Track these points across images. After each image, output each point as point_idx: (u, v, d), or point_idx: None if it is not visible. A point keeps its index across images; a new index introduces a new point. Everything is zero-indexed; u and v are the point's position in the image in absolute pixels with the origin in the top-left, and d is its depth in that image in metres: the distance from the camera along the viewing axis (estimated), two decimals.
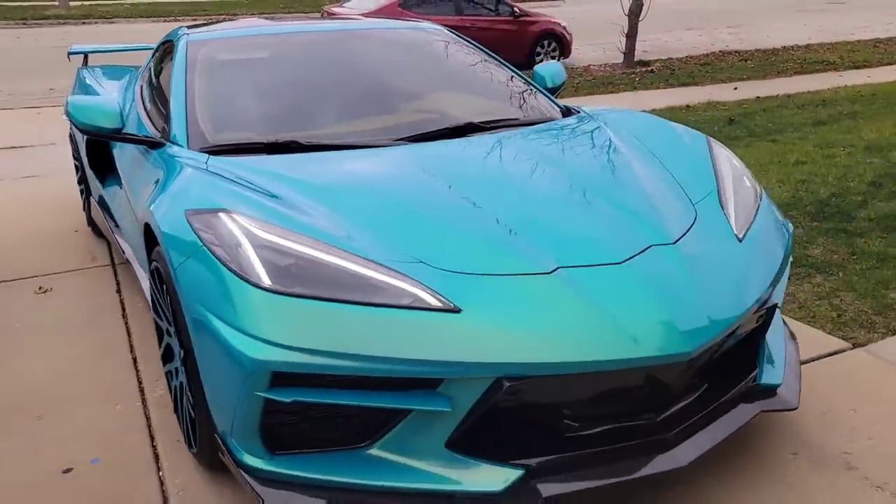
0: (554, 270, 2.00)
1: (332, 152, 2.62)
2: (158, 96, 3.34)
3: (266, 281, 1.88)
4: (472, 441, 1.88)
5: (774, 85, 9.74)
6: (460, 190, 2.33)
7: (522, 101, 3.28)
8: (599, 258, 2.07)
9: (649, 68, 11.23)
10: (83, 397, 2.74)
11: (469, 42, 3.76)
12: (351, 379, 1.81)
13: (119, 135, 2.86)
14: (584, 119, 3.14)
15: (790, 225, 2.63)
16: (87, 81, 4.70)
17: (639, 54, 11.92)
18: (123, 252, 3.43)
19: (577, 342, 1.85)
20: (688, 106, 8.36)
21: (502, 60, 3.68)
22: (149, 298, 2.68)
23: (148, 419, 2.60)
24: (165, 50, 3.67)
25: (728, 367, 2.21)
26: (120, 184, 3.45)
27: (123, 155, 3.38)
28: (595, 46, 14.19)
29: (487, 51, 3.73)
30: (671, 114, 7.89)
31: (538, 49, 12.35)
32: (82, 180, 4.47)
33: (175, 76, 3.09)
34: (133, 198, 3.00)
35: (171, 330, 2.31)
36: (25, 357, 3.05)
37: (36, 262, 4.05)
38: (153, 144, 2.87)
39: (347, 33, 3.61)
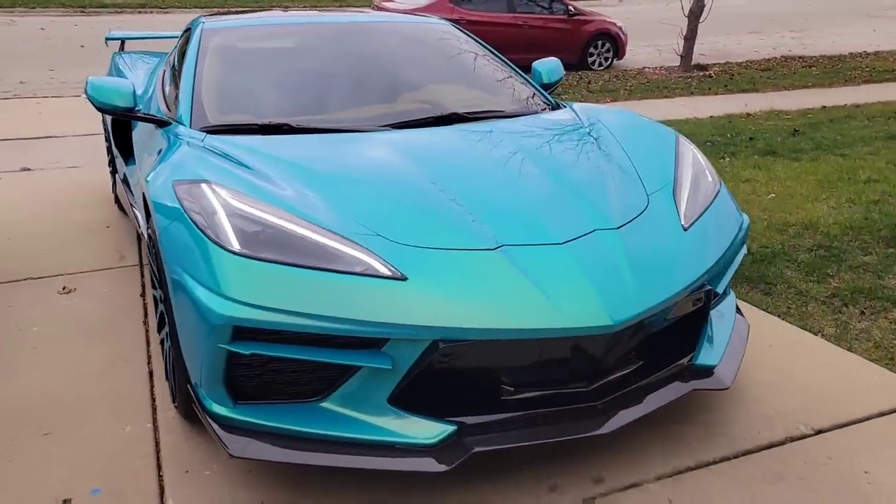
0: (497, 248, 2.19)
1: (317, 135, 2.84)
2: (174, 80, 3.52)
3: (236, 245, 2.07)
4: (411, 398, 2.05)
5: (841, 94, 9.24)
6: (427, 172, 2.52)
7: (511, 95, 3.43)
8: (541, 238, 2.25)
9: (707, 73, 10.79)
10: (93, 413, 2.58)
11: (472, 37, 3.91)
12: (305, 336, 1.98)
13: (131, 113, 3.04)
14: (564, 113, 3.30)
15: (746, 218, 2.80)
16: (120, 66, 4.98)
17: (697, 58, 11.49)
18: (138, 226, 3.55)
19: (507, 310, 2.02)
20: (748, 114, 7.94)
21: (501, 56, 3.84)
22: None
23: (157, 444, 2.42)
24: (186, 38, 3.85)
25: (664, 347, 2.37)
26: (135, 161, 3.68)
27: (139, 135, 3.57)
28: (650, 48, 13.76)
29: (488, 46, 3.88)
30: (730, 121, 7.50)
31: (591, 50, 11.99)
32: (111, 161, 4.68)
33: (187, 61, 3.31)
34: (140, 172, 3.16)
35: (160, 295, 2.50)
36: (41, 364, 2.92)
37: (63, 259, 3.94)
38: (161, 123, 3.07)
39: (354, 25, 3.79)
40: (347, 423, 2.06)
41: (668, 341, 2.36)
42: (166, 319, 2.39)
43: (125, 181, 4.07)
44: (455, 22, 10.88)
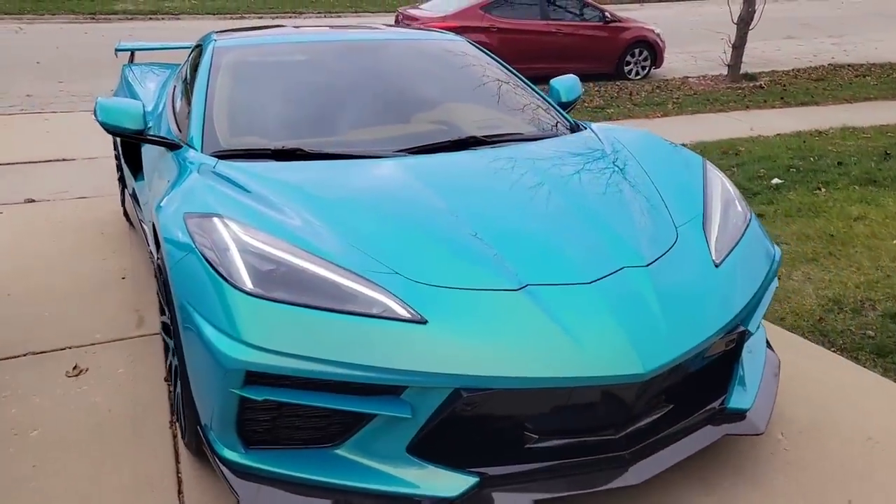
0: (521, 288, 2.07)
1: (331, 161, 2.71)
2: (185, 98, 3.42)
3: (248, 284, 1.98)
4: (431, 447, 1.95)
5: None
6: (447, 204, 2.39)
7: (530, 116, 3.30)
8: (568, 278, 2.13)
9: (757, 83, 10.11)
10: None
11: (488, 55, 3.77)
12: (320, 382, 1.89)
13: (141, 136, 2.95)
14: (586, 136, 3.15)
15: (778, 250, 2.64)
16: (130, 80, 4.81)
17: (752, 67, 10.80)
18: (148, 243, 3.45)
19: (534, 358, 1.91)
20: (819, 131, 7.27)
21: (518, 74, 3.69)
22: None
23: None
24: (197, 54, 3.76)
25: (696, 389, 2.24)
26: (143, 177, 3.61)
27: (148, 153, 3.48)
28: (684, 55, 13.09)
29: (505, 64, 3.74)
30: (804, 141, 6.82)
31: (628, 58, 11.33)
32: (120, 173, 4.56)
33: (198, 80, 3.21)
34: (150, 195, 3.09)
35: (167, 323, 2.44)
36: (37, 496, 2.27)
37: (72, 326, 3.32)
38: (171, 146, 2.96)
39: (368, 43, 3.67)
40: (363, 473, 1.97)
41: (698, 383, 2.25)
42: (175, 352, 2.29)
43: (134, 196, 3.98)
44: (485, 30, 10.21)
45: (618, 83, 10.72)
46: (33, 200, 5.22)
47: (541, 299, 2.04)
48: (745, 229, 2.57)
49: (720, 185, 2.79)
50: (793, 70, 11.42)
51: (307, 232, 2.20)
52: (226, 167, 2.60)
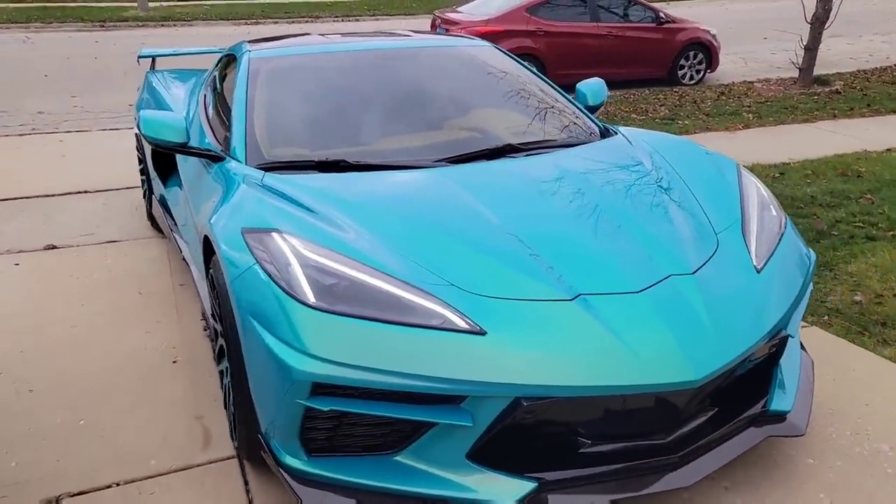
0: (575, 297, 2.11)
1: (376, 173, 2.75)
2: (221, 109, 3.47)
3: (311, 298, 2.03)
4: (490, 453, 1.99)
5: None
6: (495, 215, 2.43)
7: (561, 122, 3.33)
8: (619, 287, 2.17)
9: (831, 88, 9.27)
10: None
11: (517, 60, 3.81)
12: (383, 392, 1.93)
13: (184, 148, 2.97)
14: (619, 142, 3.18)
15: (813, 254, 2.66)
16: (155, 85, 4.80)
17: (789, 66, 9.93)
18: (181, 251, 3.61)
19: (591, 367, 1.97)
20: None
21: (546, 79, 3.74)
22: (206, 303, 2.92)
23: None
24: (228, 62, 3.85)
25: (739, 392, 2.27)
26: (181, 187, 3.66)
27: (186, 163, 3.49)
28: (731, 57, 12.23)
29: (532, 69, 3.79)
30: None
31: (682, 61, 10.49)
32: (147, 180, 4.56)
33: (237, 92, 3.23)
34: (193, 206, 3.13)
35: (220, 329, 2.48)
36: None
37: (116, 443, 2.54)
38: (214, 158, 2.99)
39: (401, 52, 3.67)
40: (424, 478, 2.00)
41: (741, 387, 2.27)
42: (230, 360, 2.30)
43: (163, 203, 4.04)
44: (531, 34, 9.37)
45: (675, 89, 9.90)
46: (55, 247, 4.44)
47: (594, 308, 2.09)
48: (782, 234, 2.61)
49: (755, 189, 2.83)
50: (860, 72, 10.57)
51: (362, 245, 2.24)
52: (273, 180, 2.65)
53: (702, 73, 10.64)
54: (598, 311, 2.08)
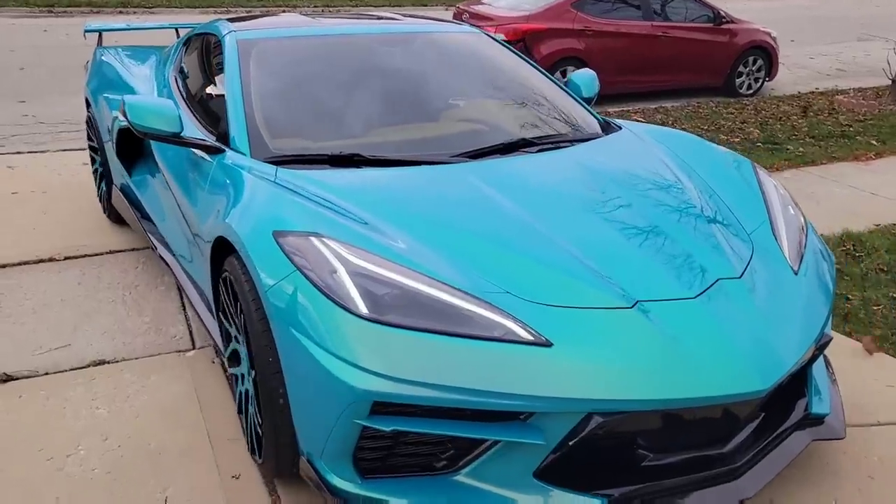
0: (633, 305, 2.03)
1: (399, 169, 2.60)
2: (204, 94, 3.28)
3: (363, 309, 1.89)
4: (556, 471, 1.90)
5: None
6: (536, 219, 2.32)
7: (566, 115, 3.25)
8: (674, 293, 2.09)
9: None
10: None
11: (507, 47, 3.68)
12: (446, 409, 1.83)
13: (177, 138, 2.74)
14: (629, 137, 3.13)
15: (831, 254, 2.63)
16: (110, 63, 4.34)
17: (835, 74, 8.71)
18: (154, 245, 3.46)
19: (662, 379, 1.89)
20: None
21: (539, 67, 3.64)
22: (200, 297, 2.86)
23: None
24: (203, 43, 3.61)
25: (783, 398, 2.24)
26: (153, 175, 3.48)
27: (168, 153, 3.22)
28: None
29: (525, 56, 3.69)
30: None
31: (740, 68, 9.18)
32: (103, 166, 4.15)
33: (228, 77, 2.99)
34: (187, 201, 2.90)
35: (240, 337, 2.31)
36: None
37: None
38: (212, 150, 2.78)
39: (395, 36, 3.50)
40: (488, 499, 1.90)
41: (784, 392, 2.22)
42: (256, 369, 2.10)
43: (126, 192, 3.79)
44: (578, 33, 7.91)
45: (745, 102, 8.57)
46: (10, 378, 2.83)
47: (654, 317, 2.01)
48: (806, 233, 2.59)
49: (773, 187, 2.80)
50: None
51: (407, 251, 2.10)
52: (290, 176, 2.46)
53: (760, 81, 9.36)
54: (658, 319, 2.01)
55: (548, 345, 1.88)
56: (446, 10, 17.30)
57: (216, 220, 2.45)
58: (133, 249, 4.07)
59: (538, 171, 2.67)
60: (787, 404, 2.25)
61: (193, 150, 2.90)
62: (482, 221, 2.29)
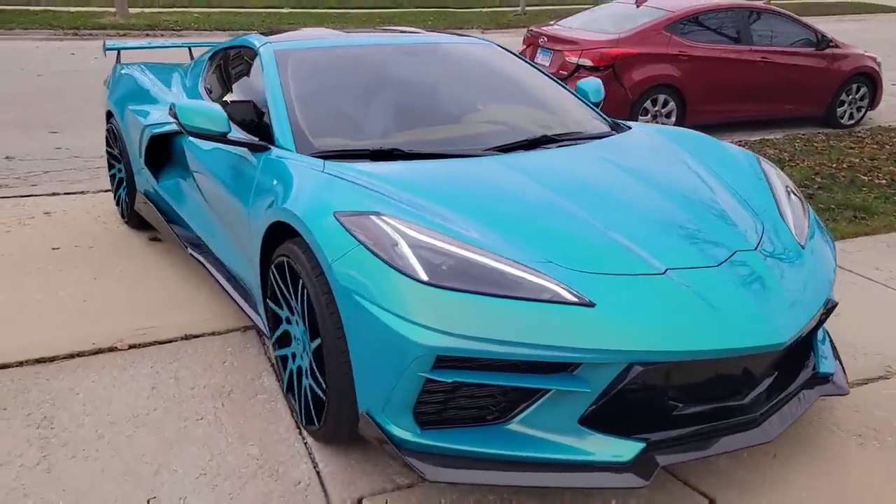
0: (664, 272, 2.24)
1: (439, 161, 2.80)
2: (236, 98, 3.52)
3: (424, 276, 2.07)
4: (599, 419, 2.10)
5: None
6: (567, 199, 2.54)
7: (580, 115, 3.48)
8: (700, 262, 2.33)
9: None
10: None
11: (520, 56, 3.93)
12: (500, 362, 2.02)
13: (224, 138, 2.92)
14: (640, 134, 3.36)
15: (830, 234, 2.92)
16: (135, 77, 4.50)
17: None
18: (186, 244, 3.62)
19: (695, 333, 2.11)
20: None
21: (549, 74, 3.88)
22: (237, 289, 3.11)
23: None
24: (235, 55, 3.85)
25: (792, 358, 2.46)
26: (185, 179, 3.67)
27: (210, 154, 3.37)
28: None
29: (534, 64, 3.99)
30: None
31: (842, 96, 8.28)
32: (125, 173, 4.30)
33: (268, 83, 3.20)
34: (227, 196, 3.09)
35: (294, 317, 2.51)
36: None
37: None
38: (257, 148, 2.96)
39: (418, 46, 3.74)
40: (539, 444, 2.07)
41: (794, 353, 2.42)
42: (324, 340, 2.25)
43: (154, 197, 3.98)
44: (672, 59, 7.16)
45: (856, 133, 7.66)
46: None
47: (684, 281, 2.21)
48: (809, 215, 2.87)
49: (775, 174, 3.08)
50: None
51: (457, 226, 2.29)
52: (337, 167, 2.65)
53: (863, 111, 8.45)
54: (688, 283, 2.21)
55: (591, 305, 2.08)
56: (482, 32, 16.57)
57: (271, 208, 2.61)
58: (213, 334, 3.16)
59: (564, 162, 2.91)
60: (796, 364, 2.48)
61: (235, 150, 3.09)
62: (520, 203, 2.51)
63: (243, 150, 3.03)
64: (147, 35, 14.78)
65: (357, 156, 2.80)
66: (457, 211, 2.37)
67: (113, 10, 16.26)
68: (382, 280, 2.08)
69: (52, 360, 2.90)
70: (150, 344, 3.05)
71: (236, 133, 3.02)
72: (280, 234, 2.56)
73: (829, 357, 2.61)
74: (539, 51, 7.89)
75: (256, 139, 3.00)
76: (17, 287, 3.59)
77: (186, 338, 3.11)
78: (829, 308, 2.53)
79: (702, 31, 7.64)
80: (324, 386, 2.30)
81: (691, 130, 3.54)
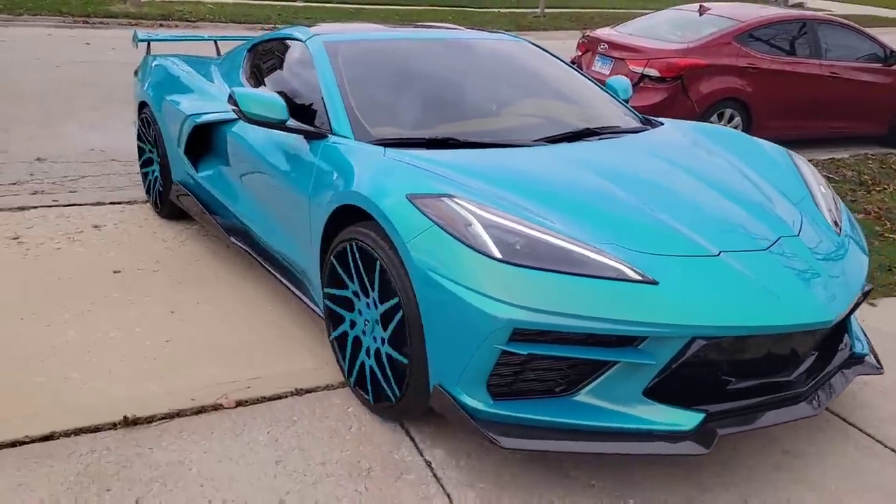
0: (718, 254, 2.37)
1: (495, 150, 2.92)
2: (283, 89, 3.49)
3: (497, 254, 2.17)
4: (661, 391, 2.20)
5: None
6: (619, 186, 2.65)
7: (615, 111, 3.63)
8: (750, 245, 2.48)
9: None
10: None
11: (552, 53, 4.04)
12: (571, 336, 2.12)
13: (283, 125, 2.99)
14: (674, 129, 3.51)
15: (860, 228, 3.04)
16: (170, 68, 4.52)
17: None
18: (227, 233, 3.63)
19: (754, 310, 2.22)
20: None
21: (581, 71, 4.07)
22: (287, 274, 3.18)
23: None
24: (279, 47, 3.91)
25: (831, 339, 2.62)
26: (229, 167, 3.70)
27: (260, 143, 3.37)
28: None
29: (565, 61, 4.08)
30: None
31: None
32: (159, 159, 4.31)
33: (322, 74, 3.28)
34: (282, 183, 3.12)
35: (363, 300, 2.56)
36: None
37: None
38: (314, 136, 3.02)
39: (459, 41, 3.86)
40: (604, 414, 2.17)
41: (832, 336, 2.59)
42: (405, 316, 2.34)
43: (193, 186, 4.00)
44: (741, 71, 6.83)
45: None
46: None
47: (738, 262, 2.34)
48: (839, 206, 3.03)
49: (808, 168, 3.25)
50: None
51: (523, 209, 2.38)
52: (398, 154, 2.72)
53: None
54: (741, 264, 2.34)
55: (654, 283, 2.19)
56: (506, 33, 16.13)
57: (336, 193, 2.68)
58: (327, 388, 2.74)
59: (611, 153, 3.02)
60: (834, 345, 2.60)
61: (288, 138, 3.14)
62: (576, 189, 2.61)
63: (297, 139, 3.09)
64: (160, 25, 14.23)
65: (412, 144, 2.88)
66: (519, 195, 2.46)
67: None
68: (459, 258, 2.18)
69: (148, 421, 2.46)
70: (258, 401, 2.62)
71: (293, 121, 3.06)
72: (339, 220, 2.65)
73: (861, 339, 2.77)
74: (597, 58, 7.48)
75: (312, 127, 3.06)
76: (87, 320, 3.14)
77: (298, 392, 2.68)
78: (866, 292, 2.64)
79: (770, 43, 7.25)
80: (405, 361, 2.36)
81: (722, 127, 3.61)
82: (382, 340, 2.46)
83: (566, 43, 12.80)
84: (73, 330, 3.06)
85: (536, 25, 17.67)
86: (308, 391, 2.70)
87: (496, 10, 20.16)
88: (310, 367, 2.87)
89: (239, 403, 2.58)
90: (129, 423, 2.44)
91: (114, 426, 2.42)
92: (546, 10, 19.42)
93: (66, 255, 3.83)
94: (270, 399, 2.63)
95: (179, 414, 2.51)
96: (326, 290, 2.75)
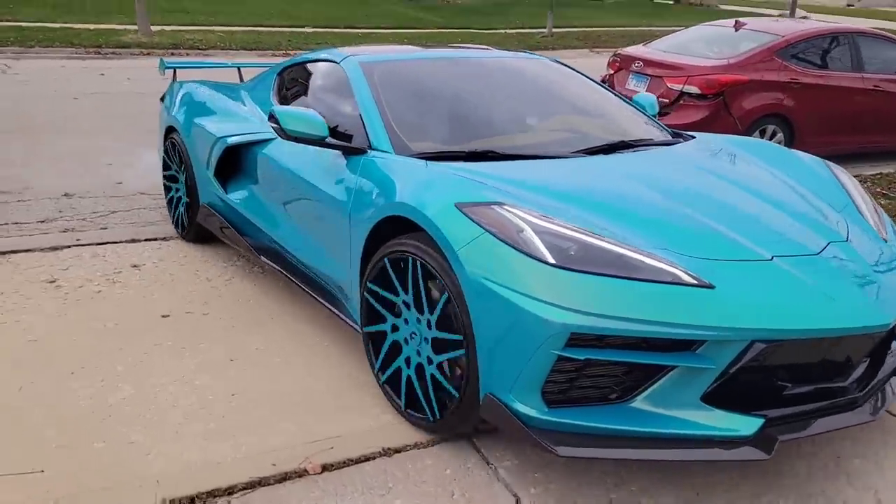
0: (771, 258, 2.36)
1: (536, 161, 2.94)
2: (322, 110, 3.36)
3: (551, 259, 2.15)
4: (719, 396, 2.16)
5: None
6: (661, 194, 2.66)
7: (644, 125, 3.67)
8: (801, 251, 2.46)
9: None
10: None
11: (576, 70, 4.09)
12: (629, 340, 2.09)
13: (323, 142, 3.04)
14: (707, 141, 3.56)
15: None
16: (198, 93, 4.59)
17: None
18: (258, 253, 3.67)
19: (812, 313, 2.21)
20: None
21: (608, 87, 4.41)
22: (322, 292, 3.17)
23: None
24: (314, 69, 3.98)
25: (882, 346, 2.50)
26: (261, 186, 3.73)
27: (297, 161, 3.41)
28: None
29: (592, 77, 4.10)
30: None
31: None
32: (187, 182, 4.31)
33: (360, 93, 3.33)
34: (324, 199, 3.10)
35: (412, 313, 2.52)
36: None
37: None
38: (353, 151, 3.06)
39: (490, 60, 3.95)
40: (661, 420, 2.13)
41: (884, 340, 2.48)
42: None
43: (222, 208, 4.01)
44: (783, 86, 6.45)
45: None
46: None
47: (791, 267, 2.32)
48: (881, 213, 3.02)
49: (847, 178, 3.23)
50: None
51: (573, 216, 2.37)
52: (440, 167, 2.75)
53: None
54: (795, 269, 2.32)
55: (710, 287, 2.15)
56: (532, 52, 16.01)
57: (379, 206, 2.70)
58: (417, 446, 2.47)
59: (651, 164, 3.04)
60: (884, 353, 2.51)
61: (326, 155, 3.17)
62: (622, 197, 2.62)
63: (335, 155, 3.13)
64: (171, 54, 14.08)
65: (452, 157, 2.89)
66: (566, 202, 2.47)
67: (134, 27, 15.58)
68: (512, 265, 2.16)
69: (229, 491, 2.20)
70: (345, 464, 2.35)
71: (331, 138, 3.11)
72: (380, 234, 2.66)
73: None
74: (631, 76, 7.28)
75: (350, 144, 3.12)
76: (142, 372, 2.89)
77: (386, 453, 2.41)
78: None
79: (812, 57, 7.05)
80: (458, 372, 2.35)
81: (755, 139, 3.74)
82: (429, 360, 2.46)
83: (576, 62, 12.59)
84: (128, 384, 2.80)
85: (545, 45, 17.55)
86: (397, 451, 2.43)
87: (503, 31, 20.08)
88: (392, 421, 2.61)
89: (324, 468, 2.32)
90: (209, 495, 2.17)
91: (192, 501, 2.15)
92: (553, 30, 19.32)
93: (109, 299, 3.59)
94: (358, 461, 2.36)
95: (262, 483, 2.24)
96: (370, 284, 2.69)
